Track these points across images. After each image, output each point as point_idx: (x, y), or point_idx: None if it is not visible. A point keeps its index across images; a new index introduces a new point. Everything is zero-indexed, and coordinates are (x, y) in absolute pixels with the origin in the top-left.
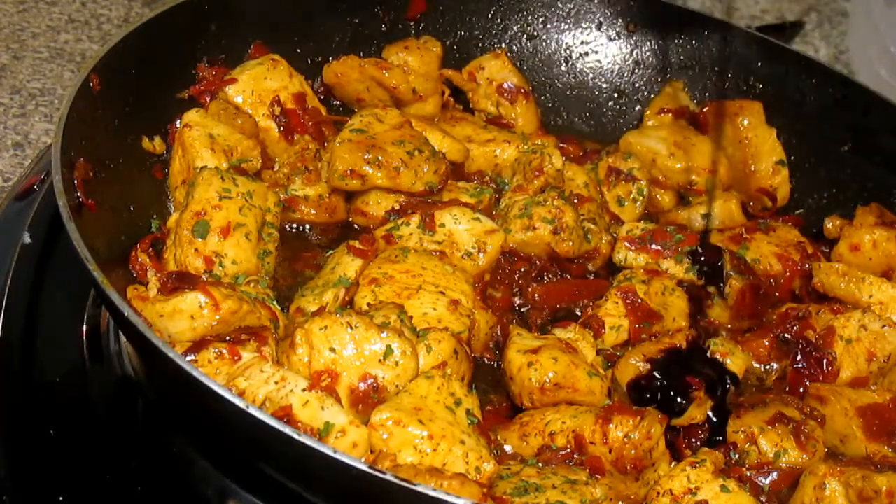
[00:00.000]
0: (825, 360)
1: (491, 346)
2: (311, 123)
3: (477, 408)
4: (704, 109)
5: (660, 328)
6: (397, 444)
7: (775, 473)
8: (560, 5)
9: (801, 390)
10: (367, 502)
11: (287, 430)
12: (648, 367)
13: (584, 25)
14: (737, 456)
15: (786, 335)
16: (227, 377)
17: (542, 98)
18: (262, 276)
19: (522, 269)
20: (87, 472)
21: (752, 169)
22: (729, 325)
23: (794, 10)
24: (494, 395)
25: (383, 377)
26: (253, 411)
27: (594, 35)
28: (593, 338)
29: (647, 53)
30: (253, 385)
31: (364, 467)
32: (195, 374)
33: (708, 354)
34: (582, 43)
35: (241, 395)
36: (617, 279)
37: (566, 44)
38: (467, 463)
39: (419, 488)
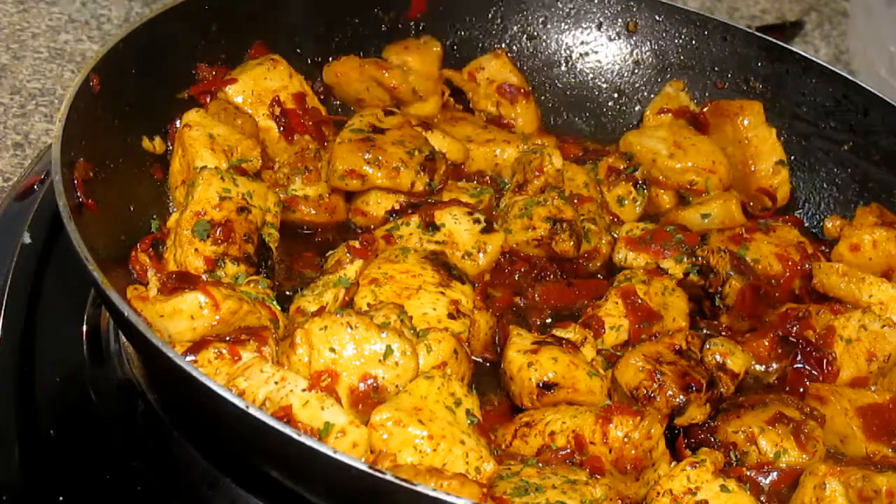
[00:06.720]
0: (825, 360)
1: (491, 346)
2: (311, 123)
3: (477, 408)
4: (704, 109)
5: (660, 328)
6: (397, 444)
7: (775, 473)
8: (560, 5)
9: (801, 390)
10: (367, 502)
11: (287, 430)
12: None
13: (584, 25)
14: (737, 456)
15: (786, 335)
16: (227, 377)
17: (542, 98)
18: (261, 276)
19: (522, 269)
20: (87, 472)
21: (752, 169)
22: (729, 325)
23: (794, 10)
24: (494, 395)
25: (383, 377)
26: (253, 411)
27: (594, 35)
28: (593, 338)
29: (647, 53)
30: (253, 385)
31: (364, 467)
32: (195, 374)
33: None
34: (582, 43)
35: (241, 395)
36: (617, 279)
37: (566, 44)
38: (467, 463)
39: (419, 488)
